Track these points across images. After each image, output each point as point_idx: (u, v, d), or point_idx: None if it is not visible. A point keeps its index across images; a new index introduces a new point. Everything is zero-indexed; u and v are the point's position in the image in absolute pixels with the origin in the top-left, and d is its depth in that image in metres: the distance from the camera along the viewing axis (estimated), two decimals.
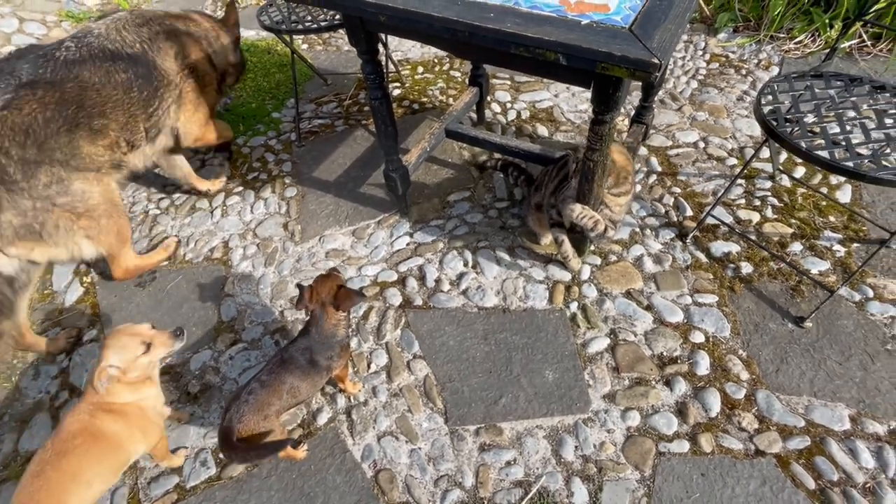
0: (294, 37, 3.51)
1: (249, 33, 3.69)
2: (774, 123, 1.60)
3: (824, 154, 1.49)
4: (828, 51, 1.87)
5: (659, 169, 2.43)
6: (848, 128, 1.58)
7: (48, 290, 2.27)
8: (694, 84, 2.89)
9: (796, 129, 1.60)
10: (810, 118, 1.63)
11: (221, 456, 1.64)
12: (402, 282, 2.12)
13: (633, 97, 2.79)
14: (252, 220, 2.45)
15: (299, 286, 1.55)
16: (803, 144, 1.51)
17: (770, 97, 1.71)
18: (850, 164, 1.47)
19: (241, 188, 2.62)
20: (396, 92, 3.08)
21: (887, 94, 1.67)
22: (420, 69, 3.25)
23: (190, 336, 2.04)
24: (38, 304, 2.21)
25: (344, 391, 1.79)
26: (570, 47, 1.22)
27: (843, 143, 1.53)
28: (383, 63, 2.81)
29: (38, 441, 1.79)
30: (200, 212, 2.53)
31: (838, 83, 1.74)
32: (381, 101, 1.88)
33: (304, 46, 3.57)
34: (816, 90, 1.71)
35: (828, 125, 1.59)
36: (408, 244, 2.25)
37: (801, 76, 1.77)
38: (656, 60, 1.14)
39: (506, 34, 1.28)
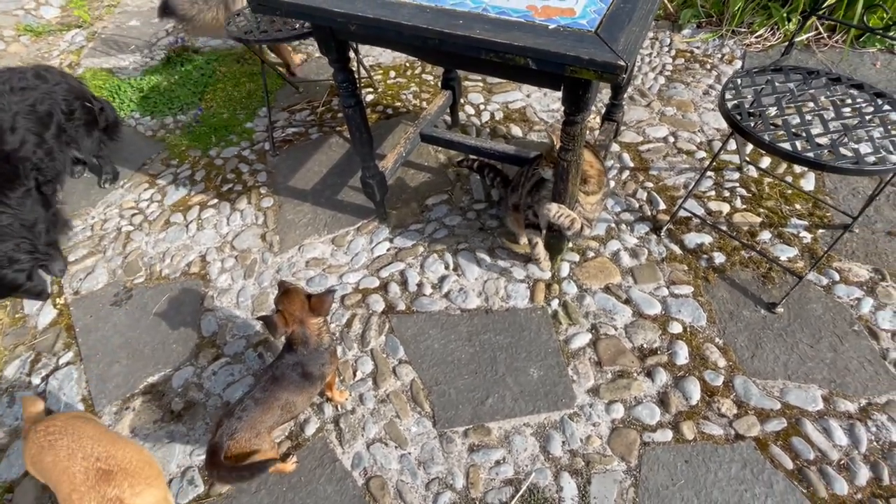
0: (264, 45, 3.49)
1: (217, 42, 3.65)
2: (738, 118, 1.65)
3: (786, 146, 1.55)
4: (787, 44, 1.93)
5: (631, 164, 2.49)
6: (808, 119, 1.65)
7: (19, 314, 2.21)
8: (661, 80, 2.96)
9: (759, 122, 1.65)
10: (772, 111, 1.69)
11: (207, 475, 1.63)
12: (384, 287, 2.12)
13: (604, 94, 2.84)
14: (229, 233, 2.43)
15: (263, 318, 1.51)
16: (766, 137, 1.57)
17: (733, 92, 1.77)
18: (811, 154, 1.53)
19: (216, 200, 2.59)
20: (369, 97, 3.08)
21: (843, 86, 1.74)
22: (392, 73, 3.25)
23: (170, 353, 2.01)
24: (9, 328, 2.15)
25: (331, 400, 1.79)
26: (539, 52, 1.24)
27: (804, 135, 1.59)
28: (355, 69, 2.81)
29: (17, 469, 1.75)
30: (175, 226, 2.49)
31: (797, 76, 1.81)
32: (355, 109, 1.88)
33: (274, 55, 3.54)
34: (777, 84, 1.78)
35: (789, 117, 1.66)
36: (388, 250, 2.26)
37: (761, 70, 1.83)
38: (622, 62, 1.18)
39: (476, 40, 1.30)
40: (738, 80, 1.80)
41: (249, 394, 1.50)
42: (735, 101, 1.72)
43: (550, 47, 1.23)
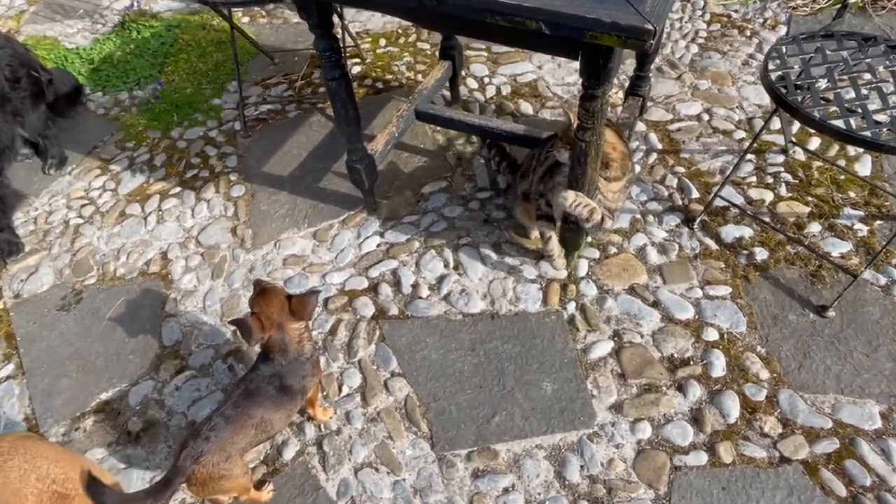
0: (233, 9, 3.47)
1: (179, 5, 3.63)
2: (784, 91, 1.65)
3: (839, 124, 1.54)
4: (839, 6, 1.93)
5: (659, 146, 2.48)
6: (864, 93, 1.64)
7: None
8: (694, 49, 2.95)
9: (808, 96, 1.65)
10: (823, 84, 1.69)
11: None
12: (373, 289, 2.12)
13: (628, 65, 2.83)
14: (194, 226, 2.42)
15: (236, 322, 1.51)
16: (816, 114, 1.57)
17: (778, 61, 1.76)
18: (868, 133, 1.52)
19: (178, 189, 2.59)
20: (356, 69, 3.07)
21: None
22: (382, 42, 3.25)
23: (126, 365, 2.01)
24: None
25: (313, 419, 1.79)
26: (554, 14, 1.24)
27: (860, 111, 1.59)
28: (339, 37, 2.80)
29: None
30: (132, 219, 2.49)
31: (851, 43, 1.80)
32: (340, 82, 1.88)
33: (245, 20, 3.53)
34: (828, 52, 1.78)
35: (842, 91, 1.65)
36: (378, 245, 2.25)
37: (810, 37, 1.83)
38: (650, 26, 1.17)
39: (480, 1, 1.29)
40: (783, 48, 1.80)
41: (219, 411, 1.50)
42: (780, 73, 1.72)
43: (567, 9, 1.23)
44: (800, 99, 1.64)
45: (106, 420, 1.88)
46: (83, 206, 2.58)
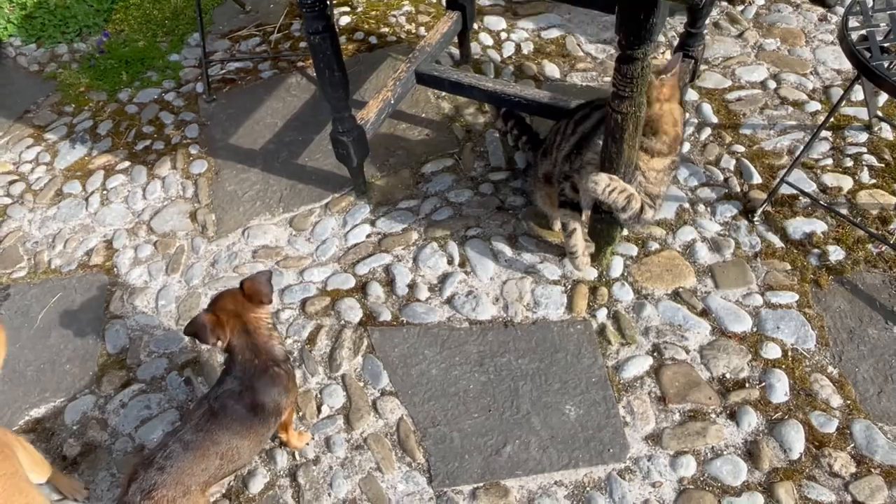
0: None
1: None
2: (867, 55, 1.65)
3: None
4: None
5: (714, 120, 2.49)
6: None
7: None
8: (760, 0, 2.95)
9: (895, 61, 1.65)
10: None
11: None
12: (361, 289, 2.14)
13: (677, 20, 2.83)
14: (145, 209, 2.45)
15: (188, 326, 1.57)
16: None
17: (860, 17, 1.76)
18: None
19: (126, 163, 2.61)
20: (345, 20, 3.09)
21: None
22: None
23: (62, 377, 2.04)
24: None
25: (287, 444, 1.81)
26: None
27: None
28: None
29: None
30: (70, 199, 2.52)
31: None
32: (324, 37, 1.89)
33: None
34: None
35: None
36: (368, 236, 2.27)
37: None
38: None
39: None
40: (869, 1, 1.79)
41: (177, 435, 1.52)
42: (863, 32, 1.72)
43: None
44: (887, 65, 1.64)
45: (37, 442, 1.91)
46: (11, 182, 2.61)
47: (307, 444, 1.83)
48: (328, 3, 1.87)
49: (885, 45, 1.68)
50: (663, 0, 1.30)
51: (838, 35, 1.74)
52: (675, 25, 2.84)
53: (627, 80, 1.55)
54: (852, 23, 1.75)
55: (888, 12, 1.78)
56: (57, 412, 1.97)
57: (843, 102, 2.42)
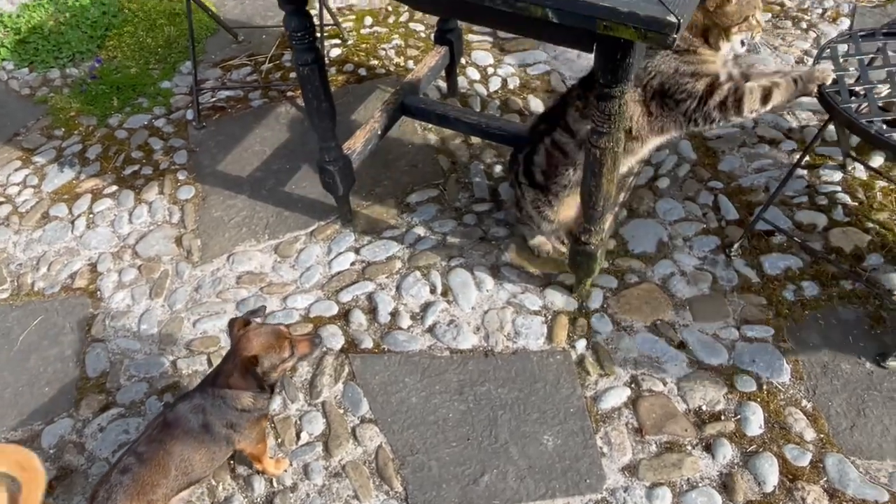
0: None
1: None
2: (837, 97, 1.71)
3: None
4: None
5: (693, 157, 2.55)
6: None
7: None
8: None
9: (864, 104, 1.71)
10: (883, 90, 1.75)
11: None
12: (344, 316, 2.16)
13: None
14: (131, 233, 2.47)
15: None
16: (872, 125, 1.63)
17: (831, 62, 1.83)
18: None
19: (115, 188, 2.63)
20: (336, 52, 3.15)
21: None
22: (368, 20, 3.33)
23: (41, 400, 2.03)
24: None
25: (264, 473, 1.81)
26: (563, 1, 1.30)
27: None
28: (317, 13, 2.88)
29: None
30: (56, 222, 2.53)
31: None
32: (313, 68, 1.94)
33: None
34: (890, 52, 1.85)
35: None
36: (352, 264, 2.30)
37: (870, 34, 1.90)
38: (673, 18, 1.23)
39: None
40: (839, 47, 1.86)
41: (131, 448, 1.53)
42: (833, 77, 1.78)
43: None
44: (855, 107, 1.70)
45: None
46: None
47: (285, 470, 1.83)
48: (317, 36, 1.92)
49: (853, 88, 1.74)
50: (638, 42, 1.35)
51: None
52: None
53: (606, 117, 1.60)
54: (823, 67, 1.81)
55: (857, 57, 1.85)
56: (34, 435, 1.96)
57: (818, 142, 2.49)
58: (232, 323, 1.64)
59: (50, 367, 2.11)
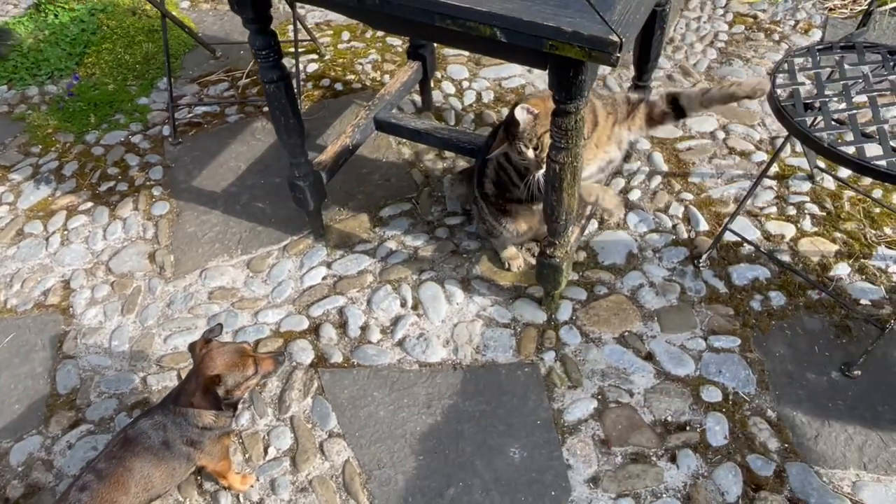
0: None
1: None
2: (791, 110, 1.75)
3: (850, 150, 1.63)
4: (864, 13, 2.05)
5: (665, 168, 2.58)
6: (885, 115, 1.74)
7: None
8: (712, 54, 3.08)
9: (818, 117, 1.74)
10: (838, 104, 1.79)
11: None
12: (314, 331, 2.17)
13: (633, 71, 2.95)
14: (104, 250, 2.48)
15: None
16: (825, 137, 1.66)
17: (788, 76, 1.86)
18: (884, 162, 1.61)
19: (90, 204, 2.65)
20: (312, 67, 3.18)
21: None
22: (345, 35, 3.37)
23: (9, 416, 2.04)
24: None
25: (229, 488, 1.82)
26: (509, 20, 1.33)
27: (877, 136, 1.68)
28: (294, 28, 2.91)
29: None
30: (31, 239, 2.55)
31: (875, 57, 1.91)
32: (279, 86, 1.96)
33: (185, 5, 3.66)
34: (847, 66, 1.88)
35: (859, 112, 1.75)
36: (324, 278, 2.32)
37: (827, 48, 1.94)
38: (615, 38, 1.26)
39: (426, 2, 1.38)
40: (796, 61, 1.90)
41: (90, 465, 1.54)
42: (789, 89, 1.82)
43: (523, 15, 1.32)
44: (809, 121, 1.73)
45: None
46: None
47: (251, 486, 1.84)
48: (283, 53, 1.95)
49: (808, 102, 1.77)
50: (587, 61, 1.38)
51: (767, 93, 1.84)
52: (629, 76, 2.96)
53: (563, 133, 1.63)
54: (780, 80, 1.85)
55: (814, 71, 1.88)
56: (3, 453, 1.96)
57: (787, 152, 2.53)
58: (192, 346, 1.66)
59: (21, 384, 2.12)
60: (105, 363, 2.15)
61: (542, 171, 1.83)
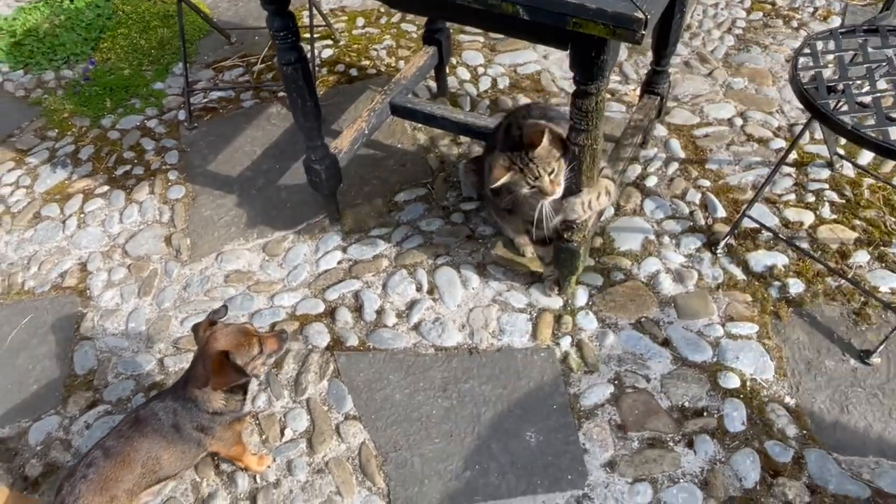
0: None
1: None
2: (815, 93, 1.72)
3: (874, 134, 1.61)
4: None
5: (682, 155, 2.56)
6: None
7: None
8: (730, 40, 3.05)
9: (842, 101, 1.72)
10: (862, 87, 1.76)
11: None
12: (330, 314, 2.17)
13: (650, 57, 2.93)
14: (121, 233, 2.49)
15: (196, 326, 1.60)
16: (848, 121, 1.63)
17: (811, 59, 1.84)
18: None
19: (106, 188, 2.66)
20: (328, 52, 3.17)
21: None
22: (360, 21, 3.35)
23: (28, 397, 2.05)
24: None
25: (246, 470, 1.83)
26: None
27: None
28: (309, 14, 2.90)
29: None
30: (48, 222, 2.56)
31: None
32: (296, 67, 1.96)
33: None
34: (870, 49, 1.85)
35: (883, 95, 1.72)
36: (339, 262, 2.32)
37: (850, 31, 1.91)
38: (640, 15, 1.24)
39: None
40: (818, 44, 1.87)
41: (98, 442, 1.55)
42: (812, 72, 1.79)
43: None
44: (832, 104, 1.71)
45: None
46: None
47: (267, 467, 1.84)
48: (301, 36, 1.94)
49: (831, 85, 1.75)
50: (611, 40, 1.37)
51: (789, 75, 1.82)
52: (646, 63, 2.93)
53: (583, 114, 1.62)
54: (802, 64, 1.82)
55: (837, 54, 1.86)
56: (22, 432, 1.98)
57: (805, 139, 2.50)
58: (196, 327, 1.63)
59: (38, 365, 2.13)
60: (122, 345, 2.16)
61: (552, 197, 1.78)
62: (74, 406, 2.02)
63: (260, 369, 1.65)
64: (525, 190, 1.77)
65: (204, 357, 1.58)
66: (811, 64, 1.83)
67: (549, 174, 1.74)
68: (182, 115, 2.93)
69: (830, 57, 1.88)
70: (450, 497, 1.78)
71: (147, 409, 1.61)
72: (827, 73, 1.80)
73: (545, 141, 1.69)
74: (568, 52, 1.51)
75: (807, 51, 1.86)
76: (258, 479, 1.83)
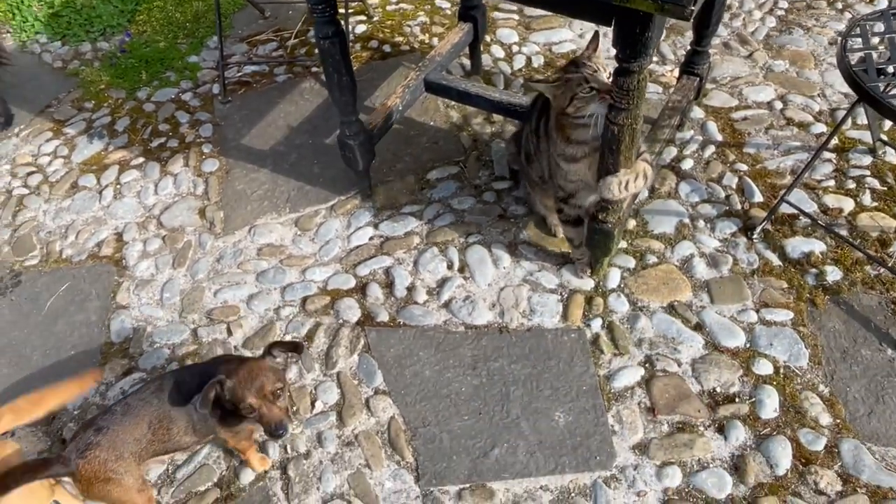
0: None
1: None
2: (864, 76, 1.68)
3: None
4: None
5: (719, 138, 2.51)
6: None
7: None
8: (771, 22, 2.97)
9: (892, 84, 1.67)
10: None
11: None
12: (361, 290, 2.18)
13: (688, 38, 2.87)
14: (156, 204, 2.52)
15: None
16: None
17: (860, 40, 1.78)
18: None
19: (141, 159, 2.68)
20: (361, 28, 3.15)
21: None
22: None
23: (67, 362, 2.09)
24: None
25: (246, 463, 1.82)
26: None
27: None
28: None
29: None
30: (85, 192, 2.59)
31: None
32: (333, 41, 1.95)
33: None
34: None
35: None
36: (371, 238, 2.32)
37: None
38: None
39: None
40: (868, 25, 1.82)
41: (123, 398, 1.57)
42: (861, 54, 1.74)
43: None
44: (882, 87, 1.66)
45: (38, 425, 1.96)
46: (30, 173, 2.69)
47: (268, 467, 1.83)
48: (337, 9, 1.93)
49: (881, 67, 1.70)
50: (658, 14, 1.34)
51: (837, 57, 1.77)
52: (684, 44, 2.87)
53: (624, 93, 1.59)
54: (851, 45, 1.77)
55: (887, 36, 1.80)
56: None
57: (847, 125, 2.44)
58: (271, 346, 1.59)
59: (76, 332, 2.17)
60: (157, 314, 2.19)
61: (607, 100, 1.67)
62: (111, 372, 2.06)
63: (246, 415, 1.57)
64: (584, 94, 1.70)
65: (244, 368, 1.54)
66: (859, 46, 1.78)
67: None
68: (216, 88, 2.94)
69: (878, 39, 1.83)
70: (478, 473, 1.78)
71: (179, 376, 1.62)
72: (876, 55, 1.75)
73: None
74: (612, 28, 1.48)
75: (856, 32, 1.80)
76: (289, 450, 1.86)
